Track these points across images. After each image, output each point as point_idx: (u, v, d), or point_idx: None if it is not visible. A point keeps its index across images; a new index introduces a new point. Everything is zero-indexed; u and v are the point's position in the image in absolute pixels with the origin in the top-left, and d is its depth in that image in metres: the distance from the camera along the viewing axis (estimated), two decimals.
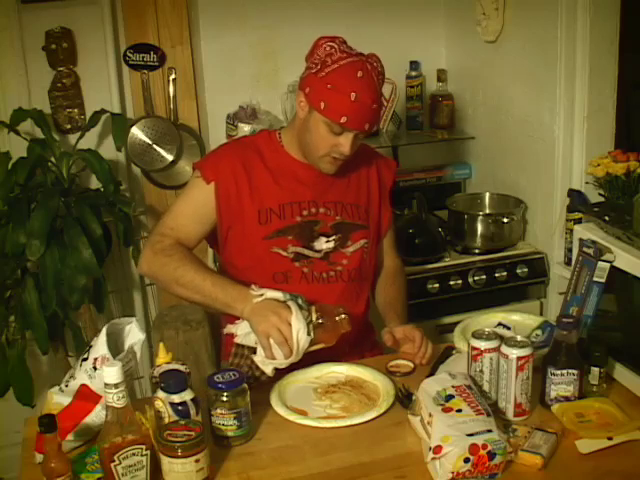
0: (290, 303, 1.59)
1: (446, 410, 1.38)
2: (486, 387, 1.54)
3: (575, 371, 1.52)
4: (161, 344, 1.57)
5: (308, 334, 1.55)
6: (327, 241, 1.83)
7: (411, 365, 1.73)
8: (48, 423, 1.27)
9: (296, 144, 1.82)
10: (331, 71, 1.68)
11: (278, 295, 1.61)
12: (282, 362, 1.57)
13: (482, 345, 1.52)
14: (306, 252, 1.80)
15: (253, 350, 1.62)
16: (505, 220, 2.62)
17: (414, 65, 2.94)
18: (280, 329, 1.54)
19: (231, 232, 1.82)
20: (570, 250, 2.39)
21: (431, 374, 1.63)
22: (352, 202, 1.87)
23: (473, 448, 1.29)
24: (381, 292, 2.00)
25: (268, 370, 1.59)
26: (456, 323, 1.86)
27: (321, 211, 1.83)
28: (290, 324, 1.55)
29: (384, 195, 1.97)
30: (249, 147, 1.85)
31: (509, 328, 1.74)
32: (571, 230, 2.29)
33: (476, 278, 2.56)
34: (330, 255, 1.83)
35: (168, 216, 1.82)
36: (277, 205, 1.80)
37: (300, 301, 1.60)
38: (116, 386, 1.25)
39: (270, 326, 1.55)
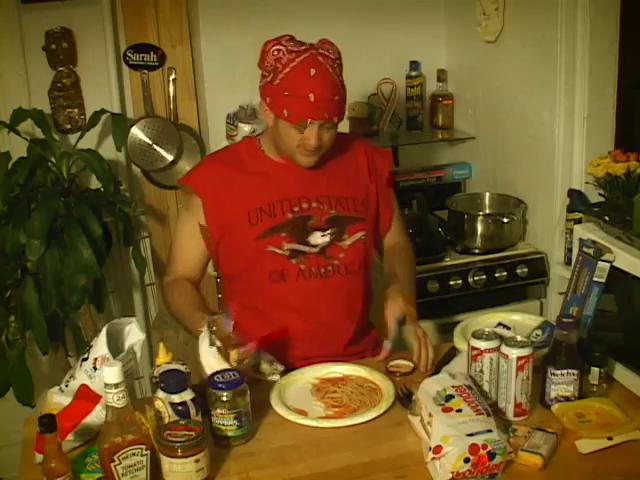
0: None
1: (446, 410, 1.38)
2: (486, 387, 1.54)
3: (575, 371, 1.52)
4: (161, 344, 1.57)
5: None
6: (322, 235, 1.82)
7: (411, 365, 1.73)
8: (48, 423, 1.27)
9: (274, 148, 1.83)
10: (284, 77, 1.68)
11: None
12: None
13: (482, 345, 1.52)
14: (302, 248, 1.80)
15: None
16: (505, 220, 2.62)
17: (414, 65, 2.95)
18: None
19: (224, 240, 1.83)
20: (570, 250, 2.39)
21: (434, 373, 1.63)
22: (347, 195, 1.86)
23: (473, 448, 1.29)
24: (386, 262, 1.98)
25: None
26: (456, 323, 1.85)
27: (314, 206, 1.82)
28: None
29: (381, 185, 1.95)
30: (229, 155, 1.88)
31: (509, 328, 1.74)
32: (571, 230, 2.29)
33: (476, 278, 2.56)
34: (326, 249, 1.82)
35: (168, 255, 1.95)
36: (266, 204, 1.80)
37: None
38: (116, 386, 1.26)
39: None
